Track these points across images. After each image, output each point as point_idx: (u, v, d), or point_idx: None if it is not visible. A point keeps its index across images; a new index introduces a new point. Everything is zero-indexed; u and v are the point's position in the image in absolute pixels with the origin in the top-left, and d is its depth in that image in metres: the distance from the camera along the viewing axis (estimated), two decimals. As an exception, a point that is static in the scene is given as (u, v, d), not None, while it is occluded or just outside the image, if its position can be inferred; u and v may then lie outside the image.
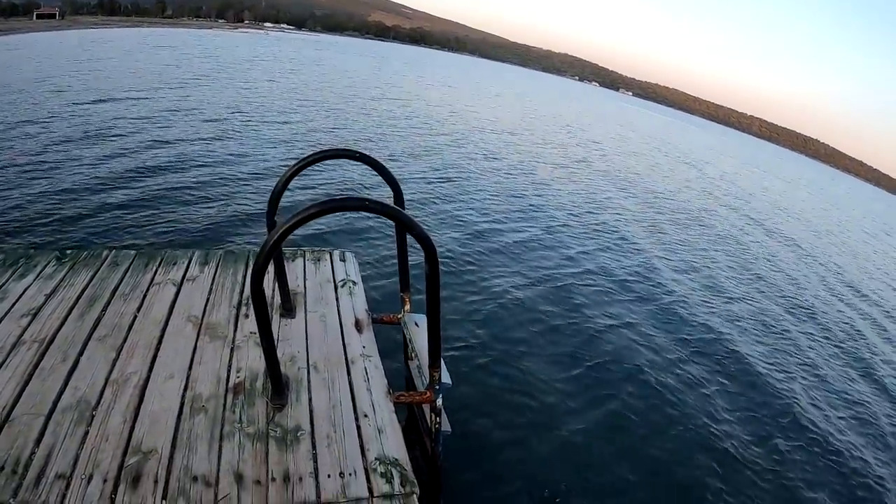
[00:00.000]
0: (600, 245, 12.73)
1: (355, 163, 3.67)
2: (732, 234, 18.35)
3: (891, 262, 24.68)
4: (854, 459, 6.80)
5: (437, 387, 3.02)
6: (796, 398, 7.72)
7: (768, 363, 8.82)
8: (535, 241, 11.70)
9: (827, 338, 10.80)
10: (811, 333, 10.82)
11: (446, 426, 3.28)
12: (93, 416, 2.42)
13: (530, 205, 14.70)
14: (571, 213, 14.99)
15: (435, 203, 12.68)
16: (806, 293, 13.64)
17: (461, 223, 11.60)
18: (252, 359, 2.98)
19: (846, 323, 12.21)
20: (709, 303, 10.81)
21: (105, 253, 3.82)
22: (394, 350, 4.40)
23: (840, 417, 7.75)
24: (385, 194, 3.51)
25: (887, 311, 15.04)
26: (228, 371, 2.88)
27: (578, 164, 23.98)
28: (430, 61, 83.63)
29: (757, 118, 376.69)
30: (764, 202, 30.13)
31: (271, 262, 3.15)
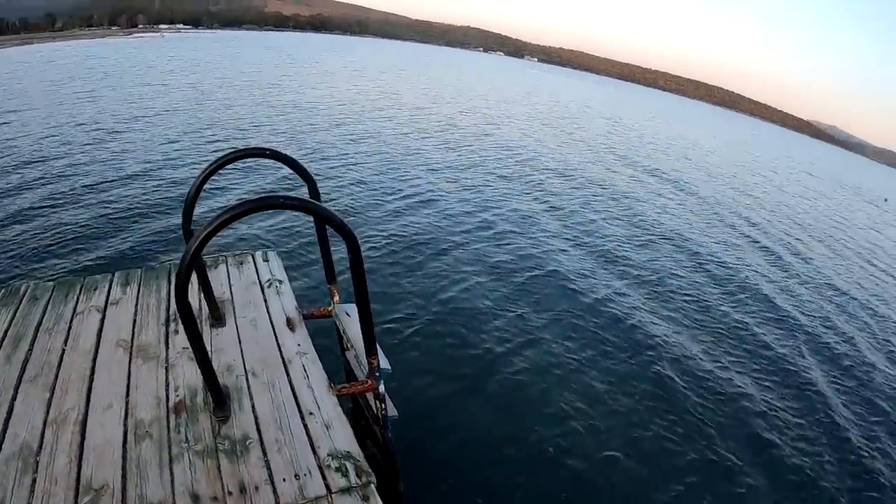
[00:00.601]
0: (505, 200, 13.40)
1: (268, 160, 3.65)
2: (622, 179, 19.43)
3: (777, 193, 26.43)
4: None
5: (378, 374, 3.10)
6: (665, 336, 8.35)
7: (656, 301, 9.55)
8: (444, 207, 12.05)
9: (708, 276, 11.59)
10: (700, 269, 11.65)
11: (392, 411, 3.36)
12: (38, 462, 2.40)
13: (436, 172, 15.10)
14: (480, 176, 15.66)
15: (348, 183, 12.78)
16: (692, 231, 14.57)
17: (375, 200, 11.76)
18: (188, 375, 2.98)
19: (730, 259, 13.07)
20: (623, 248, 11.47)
21: (22, 288, 3.68)
22: (330, 343, 4.46)
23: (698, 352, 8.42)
24: (301, 188, 3.53)
25: (767, 234, 16.22)
26: (167, 391, 2.88)
27: (486, 128, 24.64)
28: (331, 47, 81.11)
29: (662, 73, 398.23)
30: (656, 147, 31.60)
31: (194, 272, 3.11)
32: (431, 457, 4.84)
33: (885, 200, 48.79)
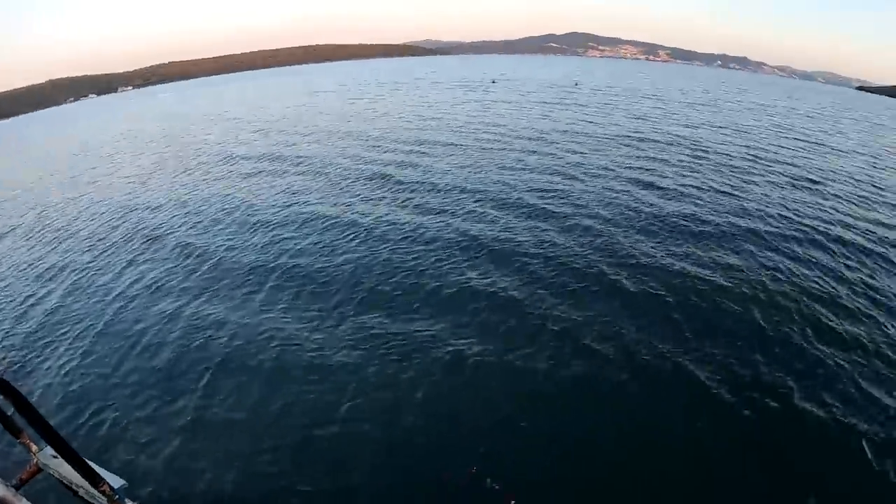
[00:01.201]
0: (128, 260, 13.53)
1: None
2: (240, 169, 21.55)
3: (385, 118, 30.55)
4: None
5: (117, 497, 3.17)
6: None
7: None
8: (70, 288, 11.88)
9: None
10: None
11: None
12: None
13: (40, 262, 14.32)
14: (113, 241, 15.45)
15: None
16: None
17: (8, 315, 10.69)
18: None
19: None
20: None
21: None
22: (63, 495, 4.20)
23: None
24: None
25: (390, 151, 20.17)
26: None
27: (85, 190, 23.21)
28: None
29: (259, 52, 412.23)
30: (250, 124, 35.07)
31: None
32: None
33: (493, 82, 56.89)
